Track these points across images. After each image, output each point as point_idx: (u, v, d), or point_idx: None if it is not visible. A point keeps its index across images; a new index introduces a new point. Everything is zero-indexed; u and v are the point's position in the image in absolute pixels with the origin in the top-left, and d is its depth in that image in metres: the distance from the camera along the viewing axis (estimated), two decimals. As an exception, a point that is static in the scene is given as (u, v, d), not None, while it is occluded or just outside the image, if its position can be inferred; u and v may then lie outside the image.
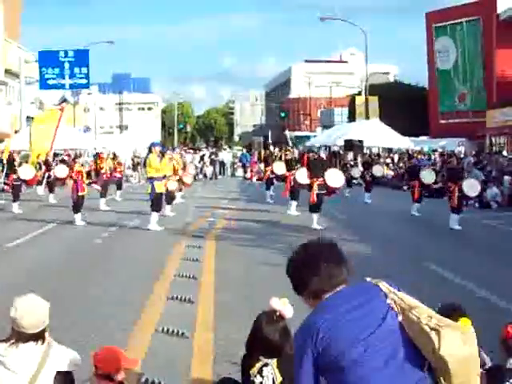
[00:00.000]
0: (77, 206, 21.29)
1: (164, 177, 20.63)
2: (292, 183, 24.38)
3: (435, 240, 18.21)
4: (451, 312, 5.40)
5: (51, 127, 30.21)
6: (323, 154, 24.16)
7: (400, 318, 3.75)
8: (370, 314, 3.75)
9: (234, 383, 5.86)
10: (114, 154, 32.54)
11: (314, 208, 20.62)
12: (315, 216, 20.48)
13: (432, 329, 3.63)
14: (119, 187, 31.11)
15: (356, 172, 34.82)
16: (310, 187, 21.23)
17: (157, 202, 20.03)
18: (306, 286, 4.00)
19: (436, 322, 3.67)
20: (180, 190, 25.86)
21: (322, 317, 3.76)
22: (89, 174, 25.14)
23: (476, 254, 15.92)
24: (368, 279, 4.01)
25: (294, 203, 24.48)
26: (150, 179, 20.31)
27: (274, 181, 29.99)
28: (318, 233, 19.45)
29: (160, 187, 19.98)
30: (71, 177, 22.68)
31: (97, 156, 29.92)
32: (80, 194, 21.44)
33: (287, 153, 30.23)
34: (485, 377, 5.42)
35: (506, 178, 29.61)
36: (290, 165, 26.90)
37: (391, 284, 3.97)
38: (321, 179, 20.61)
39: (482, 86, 51.23)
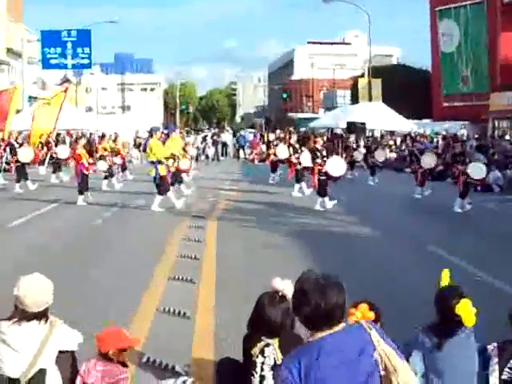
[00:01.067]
0: (81, 186, 21.32)
1: (169, 158, 20.56)
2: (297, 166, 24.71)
3: (437, 223, 18.20)
4: (450, 294, 5.43)
5: (55, 108, 30.21)
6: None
7: (382, 374, 3.82)
8: (356, 372, 3.79)
9: (235, 363, 5.89)
10: (116, 136, 32.48)
11: (321, 191, 20.71)
12: (320, 198, 20.55)
13: None
14: (123, 169, 31.10)
15: (358, 156, 34.77)
16: (312, 171, 21.36)
17: (162, 184, 20.02)
18: (299, 313, 3.99)
19: None
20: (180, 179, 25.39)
21: (310, 357, 3.81)
22: (91, 154, 25.14)
23: (477, 237, 15.92)
24: (362, 323, 4.02)
25: (297, 185, 24.56)
26: (153, 162, 20.27)
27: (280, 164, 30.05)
28: (319, 214, 19.52)
29: (163, 170, 19.95)
30: (74, 158, 22.71)
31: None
32: (85, 172, 21.46)
33: (291, 136, 30.30)
34: (497, 351, 5.43)
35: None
36: (294, 148, 27.01)
37: (378, 330, 4.00)
38: (322, 165, 20.73)
39: (486, 69, 51.00)
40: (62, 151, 29.24)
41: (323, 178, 20.67)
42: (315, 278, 3.95)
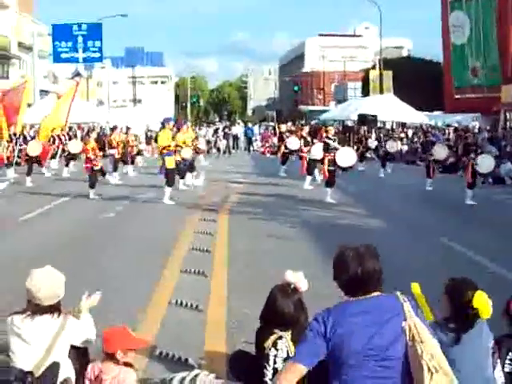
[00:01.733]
0: (91, 180, 21.35)
1: (175, 151, 20.66)
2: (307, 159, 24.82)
3: (448, 215, 18.16)
4: (464, 287, 5.41)
5: (66, 101, 30.29)
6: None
7: (409, 344, 4.05)
8: (385, 333, 4.06)
9: (247, 356, 5.89)
10: (128, 128, 32.56)
11: (328, 183, 20.68)
12: (329, 190, 20.53)
13: (429, 369, 3.97)
14: (132, 162, 31.19)
15: (372, 143, 34.71)
16: (322, 161, 21.36)
17: (169, 176, 20.12)
18: (339, 279, 4.34)
19: (435, 364, 4.00)
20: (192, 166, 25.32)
21: (338, 315, 4.15)
22: (103, 147, 25.21)
23: (489, 229, 15.86)
24: (398, 294, 4.28)
25: (308, 178, 24.55)
26: (162, 154, 20.47)
27: (290, 156, 30.07)
28: (330, 206, 19.50)
29: (171, 162, 20.05)
30: (85, 151, 22.76)
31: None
32: (95, 168, 21.49)
33: (303, 128, 30.48)
34: (496, 346, 5.47)
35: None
36: (306, 140, 27.07)
37: (414, 305, 4.26)
38: (332, 155, 20.69)
39: (497, 61, 50.73)
40: (73, 145, 29.26)
41: (332, 168, 20.65)
42: (355, 247, 4.26)
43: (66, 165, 30.00)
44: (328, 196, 20.40)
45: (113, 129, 31.01)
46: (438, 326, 5.41)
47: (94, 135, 25.41)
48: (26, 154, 27.07)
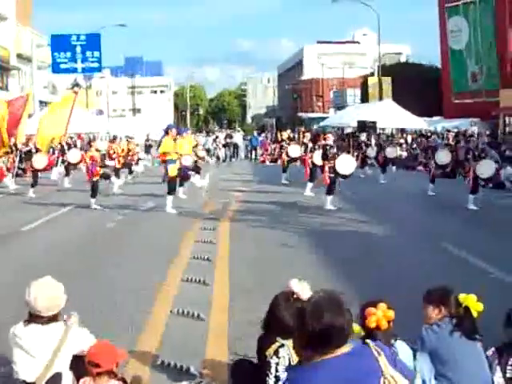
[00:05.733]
0: (93, 190, 21.35)
1: (177, 159, 20.65)
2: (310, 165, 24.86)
3: (450, 220, 18.18)
4: (446, 294, 5.63)
5: (65, 111, 30.27)
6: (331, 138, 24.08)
7: None
8: None
9: (250, 364, 5.89)
10: (128, 138, 32.61)
11: (329, 190, 20.69)
12: (329, 197, 20.53)
13: None
14: (130, 171, 31.29)
15: (371, 152, 34.75)
16: (322, 168, 21.41)
17: (170, 185, 20.16)
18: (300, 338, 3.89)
19: None
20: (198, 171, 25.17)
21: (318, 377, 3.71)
22: (103, 157, 25.21)
23: (490, 234, 15.87)
24: (370, 343, 3.91)
25: (309, 184, 24.55)
26: (164, 162, 20.50)
27: (293, 163, 30.25)
28: (331, 213, 19.51)
29: (173, 171, 20.08)
30: (85, 161, 22.77)
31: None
32: (94, 179, 21.50)
33: (304, 135, 30.68)
34: (496, 354, 5.56)
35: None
36: (307, 146, 27.22)
37: (389, 355, 3.89)
38: (332, 162, 20.73)
39: (496, 65, 50.82)
40: (73, 155, 29.24)
41: (332, 175, 20.67)
42: (314, 301, 3.85)
43: (66, 174, 30.01)
44: (328, 203, 20.41)
45: (112, 140, 31.06)
46: (428, 327, 5.60)
47: (96, 144, 25.23)
48: (31, 166, 27.10)
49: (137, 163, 33.69)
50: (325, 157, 21.15)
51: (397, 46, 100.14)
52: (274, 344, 5.42)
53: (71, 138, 38.50)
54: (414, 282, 10.29)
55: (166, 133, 20.89)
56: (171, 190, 20.15)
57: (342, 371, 3.67)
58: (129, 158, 30.36)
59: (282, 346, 5.39)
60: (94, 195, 21.26)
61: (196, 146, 28.50)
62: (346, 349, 3.74)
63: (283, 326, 5.41)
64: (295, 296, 5.47)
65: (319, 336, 3.69)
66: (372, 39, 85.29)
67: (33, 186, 25.50)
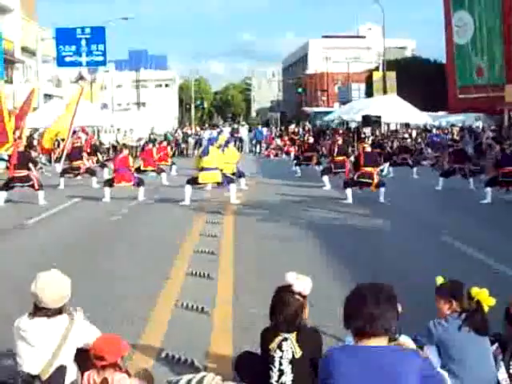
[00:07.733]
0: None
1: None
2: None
3: (456, 215, 18.12)
4: (458, 288, 5.65)
5: (72, 106, 30.36)
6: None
7: None
8: None
9: (254, 357, 5.90)
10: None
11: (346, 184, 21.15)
12: (347, 190, 20.82)
13: None
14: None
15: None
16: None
17: (192, 178, 20.42)
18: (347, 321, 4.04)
19: None
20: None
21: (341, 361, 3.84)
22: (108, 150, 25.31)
23: (495, 230, 15.82)
24: (401, 341, 4.25)
25: (325, 178, 25.06)
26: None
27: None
28: (338, 207, 19.48)
29: (205, 178, 20.18)
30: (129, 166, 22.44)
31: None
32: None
33: (310, 137, 31.81)
34: (500, 349, 5.58)
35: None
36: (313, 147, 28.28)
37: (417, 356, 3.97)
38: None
39: (501, 60, 50.66)
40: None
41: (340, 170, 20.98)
42: (358, 288, 4.05)
43: (94, 175, 30.11)
44: (349, 196, 20.68)
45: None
46: (437, 320, 5.63)
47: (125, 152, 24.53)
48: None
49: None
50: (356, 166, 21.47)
51: (402, 40, 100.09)
52: (277, 338, 5.43)
53: (74, 132, 38.44)
54: (418, 275, 10.29)
55: (211, 143, 20.71)
56: (190, 181, 20.24)
57: (374, 361, 3.76)
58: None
59: (285, 339, 5.40)
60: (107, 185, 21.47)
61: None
62: (384, 341, 3.86)
63: (284, 319, 5.42)
64: (294, 289, 5.49)
65: (347, 318, 3.95)
66: (377, 34, 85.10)
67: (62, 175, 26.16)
